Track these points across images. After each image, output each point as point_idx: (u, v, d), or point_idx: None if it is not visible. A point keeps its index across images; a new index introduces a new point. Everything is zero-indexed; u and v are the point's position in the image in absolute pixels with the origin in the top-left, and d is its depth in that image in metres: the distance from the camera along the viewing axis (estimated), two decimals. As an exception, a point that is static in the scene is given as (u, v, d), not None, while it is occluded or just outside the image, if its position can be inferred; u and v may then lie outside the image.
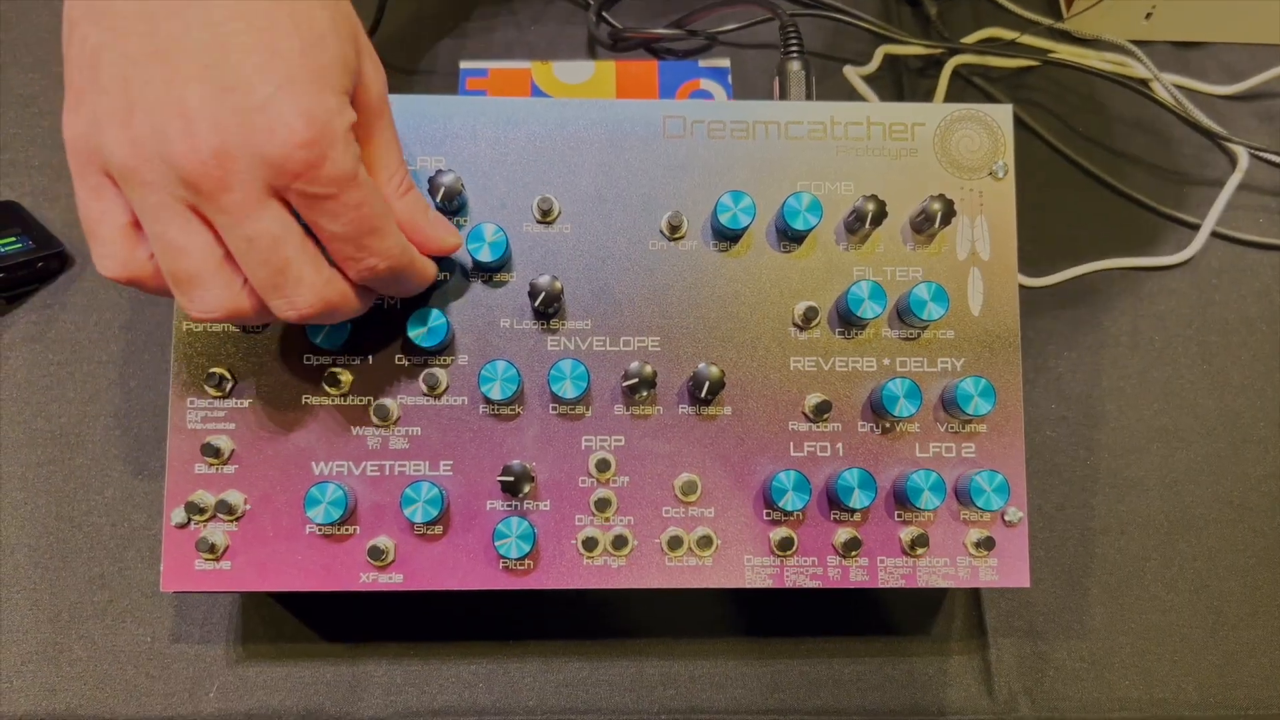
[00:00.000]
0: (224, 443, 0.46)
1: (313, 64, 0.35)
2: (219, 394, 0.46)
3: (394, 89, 0.63)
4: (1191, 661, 0.55)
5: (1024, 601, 0.55)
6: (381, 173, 0.40)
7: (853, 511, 0.47)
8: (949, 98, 0.66)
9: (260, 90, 0.34)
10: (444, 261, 0.47)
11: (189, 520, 0.46)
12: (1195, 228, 0.64)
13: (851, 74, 0.64)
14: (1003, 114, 0.49)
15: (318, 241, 0.38)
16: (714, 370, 0.45)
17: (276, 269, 0.36)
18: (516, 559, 0.45)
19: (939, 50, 0.66)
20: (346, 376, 0.46)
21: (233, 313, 0.37)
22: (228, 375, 0.46)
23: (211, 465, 0.46)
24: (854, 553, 0.46)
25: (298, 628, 0.53)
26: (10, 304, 0.58)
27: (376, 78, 0.40)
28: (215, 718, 0.51)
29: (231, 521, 0.46)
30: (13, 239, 0.57)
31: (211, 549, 0.45)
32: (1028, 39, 0.67)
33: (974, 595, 0.55)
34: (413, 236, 0.42)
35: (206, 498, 0.45)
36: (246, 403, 0.46)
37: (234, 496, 0.46)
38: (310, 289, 0.37)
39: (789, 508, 0.45)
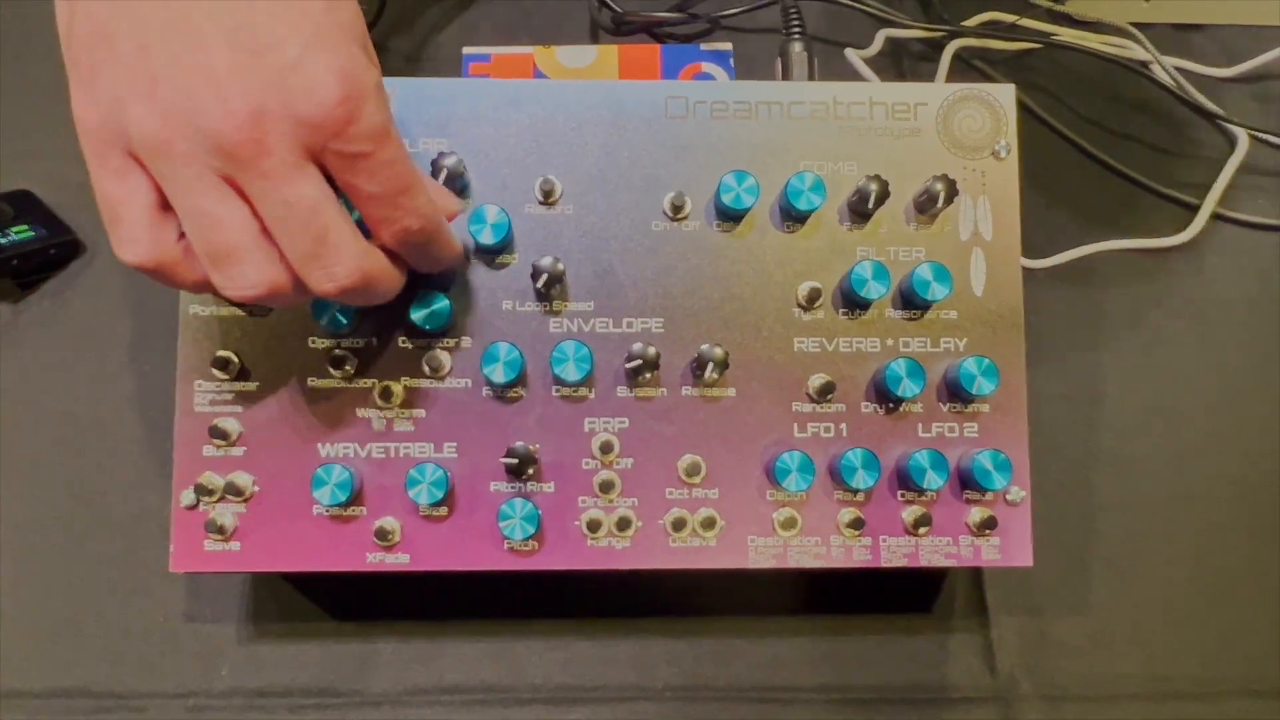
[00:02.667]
0: (231, 425, 0.46)
1: (336, 21, 0.35)
2: (226, 377, 0.46)
3: (398, 75, 0.63)
4: (1192, 637, 0.55)
5: (1025, 579, 0.55)
6: None
7: (856, 492, 0.47)
8: (950, 80, 0.66)
9: (290, 50, 0.33)
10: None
11: (198, 501, 0.46)
12: (1195, 209, 0.64)
13: (853, 57, 0.64)
14: (1005, 94, 0.50)
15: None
16: (718, 351, 0.46)
17: (316, 237, 0.35)
18: (521, 540, 0.46)
19: (940, 33, 0.66)
20: (351, 359, 0.46)
21: (272, 288, 0.36)
22: (234, 358, 0.46)
23: (219, 447, 0.46)
24: (857, 533, 0.47)
25: (308, 606, 0.53)
26: (24, 290, 0.59)
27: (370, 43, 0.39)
28: (227, 694, 0.52)
29: (240, 503, 0.46)
30: (25, 226, 0.57)
31: (220, 530, 0.46)
32: (1028, 22, 0.67)
33: (975, 573, 0.56)
34: None
35: (215, 479, 0.46)
36: (253, 385, 0.47)
37: (242, 478, 0.46)
38: (351, 258, 0.36)
39: (793, 488, 0.46)
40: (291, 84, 0.33)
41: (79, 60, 0.35)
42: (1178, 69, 0.66)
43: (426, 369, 0.47)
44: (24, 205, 0.58)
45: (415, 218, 0.38)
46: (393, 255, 0.40)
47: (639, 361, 0.46)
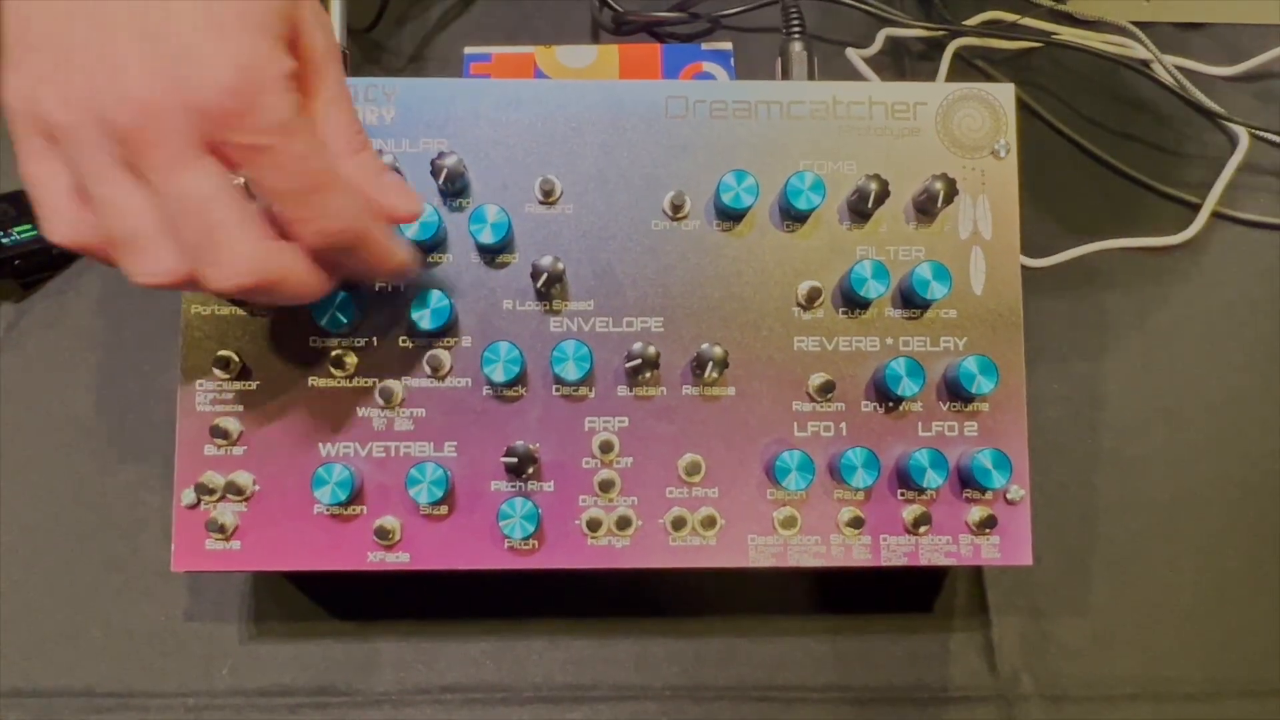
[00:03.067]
0: (232, 424, 0.46)
1: (242, 9, 0.34)
2: (227, 376, 0.46)
3: (399, 74, 0.63)
4: (1194, 639, 0.55)
5: (1026, 579, 0.55)
6: (328, 128, 0.39)
7: (856, 490, 0.47)
8: (950, 80, 0.66)
9: (189, 38, 0.33)
10: (444, 244, 0.47)
11: (199, 501, 0.46)
12: (1196, 208, 0.64)
13: (853, 56, 0.64)
14: (1004, 93, 0.50)
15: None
16: (717, 350, 0.46)
17: (205, 231, 0.34)
18: (521, 539, 0.46)
19: (940, 32, 0.66)
20: (351, 359, 0.47)
21: (171, 278, 0.35)
22: (235, 358, 0.46)
23: (220, 447, 0.46)
24: (857, 531, 0.47)
25: (309, 606, 0.54)
26: (26, 290, 0.59)
27: (320, 28, 0.38)
28: (229, 694, 0.52)
29: (241, 502, 0.46)
30: (28, 226, 0.57)
31: (221, 529, 0.46)
32: (1029, 21, 0.67)
33: (976, 573, 0.56)
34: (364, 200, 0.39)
35: (216, 479, 0.46)
36: (254, 385, 0.47)
37: (243, 477, 0.46)
38: (242, 257, 0.35)
39: (793, 487, 0.46)
40: (185, 73, 0.33)
41: (7, 44, 0.35)
42: (1178, 68, 0.66)
43: (427, 368, 0.47)
44: (26, 205, 0.58)
45: (329, 219, 0.36)
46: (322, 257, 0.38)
47: (639, 361, 0.46)
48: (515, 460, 0.45)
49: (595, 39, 0.67)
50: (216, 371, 0.46)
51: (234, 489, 0.46)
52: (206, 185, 0.34)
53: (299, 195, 0.36)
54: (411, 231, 0.45)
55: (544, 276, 0.46)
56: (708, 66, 0.62)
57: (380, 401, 0.47)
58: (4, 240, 0.56)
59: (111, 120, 0.33)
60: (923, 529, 0.47)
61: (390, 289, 0.47)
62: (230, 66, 0.33)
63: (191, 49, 0.33)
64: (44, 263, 0.58)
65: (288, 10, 0.36)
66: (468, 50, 0.61)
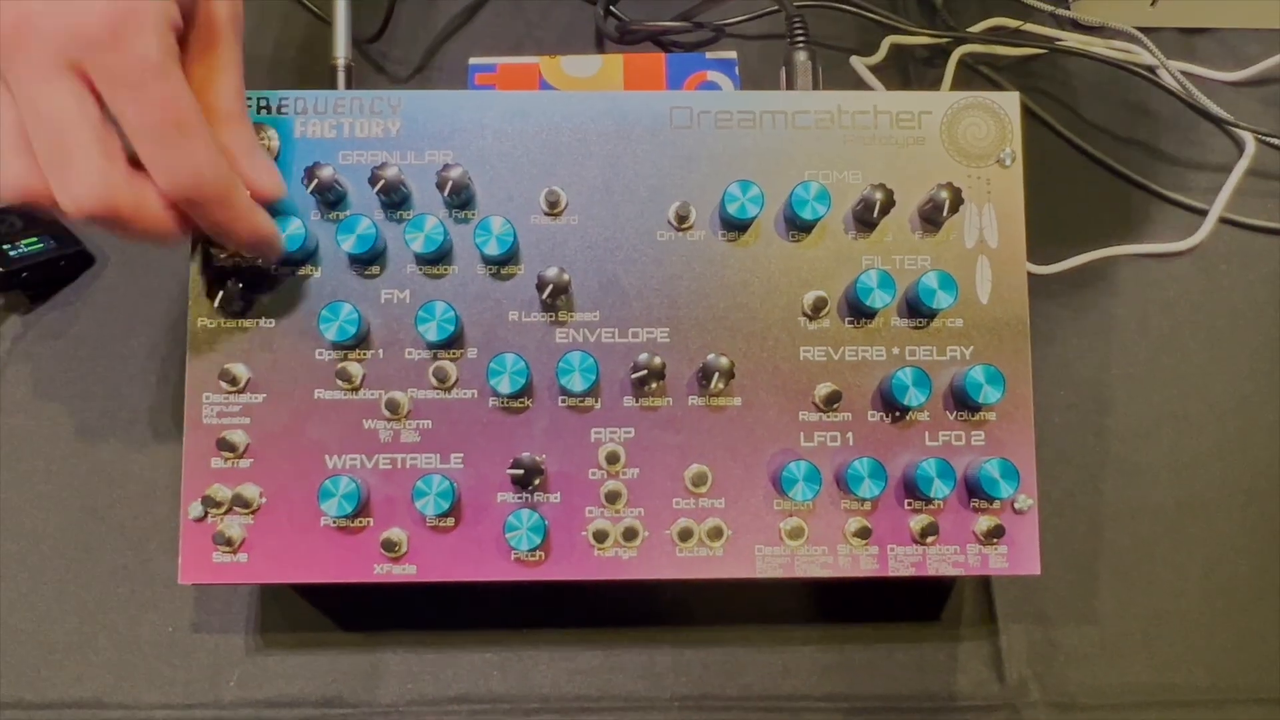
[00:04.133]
0: (239, 437, 0.46)
1: None
2: (234, 389, 0.46)
3: (403, 84, 0.63)
4: (1201, 646, 0.55)
5: (1033, 587, 0.55)
6: (210, 93, 0.40)
7: (863, 501, 0.47)
8: (955, 87, 0.66)
9: None
10: (449, 256, 0.47)
11: (206, 514, 0.46)
12: (1203, 214, 0.64)
13: (858, 64, 0.64)
14: (1010, 101, 0.50)
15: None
16: (723, 361, 0.46)
17: (57, 147, 0.36)
18: (527, 551, 0.46)
19: (945, 39, 0.66)
20: (357, 371, 0.47)
21: (23, 192, 0.37)
22: (242, 371, 0.46)
23: (227, 459, 0.46)
24: (864, 542, 0.47)
25: (316, 617, 0.54)
26: (34, 302, 0.59)
27: (226, 2, 0.40)
28: (236, 705, 0.52)
29: (248, 514, 0.46)
30: (35, 239, 0.57)
31: (228, 542, 0.46)
32: (1034, 27, 0.67)
33: (983, 581, 0.55)
34: (231, 168, 0.41)
35: (223, 491, 0.46)
36: (261, 397, 0.47)
37: (250, 490, 0.46)
38: (90, 178, 0.36)
39: (799, 498, 0.46)
40: None
41: None
42: (1184, 73, 0.66)
43: (433, 380, 0.47)
44: (34, 217, 0.59)
45: (185, 164, 0.37)
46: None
47: (645, 371, 0.46)
48: (522, 472, 0.45)
49: (600, 48, 0.67)
50: (223, 384, 0.46)
51: (241, 502, 0.46)
52: (65, 101, 0.35)
53: (156, 134, 0.36)
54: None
55: (549, 288, 0.46)
56: (712, 75, 0.61)
57: (387, 413, 0.47)
58: (11, 252, 0.57)
59: None
60: (930, 539, 0.47)
61: (395, 300, 0.47)
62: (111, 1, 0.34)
63: None
64: (51, 274, 0.59)
65: None
66: (472, 60, 0.61)
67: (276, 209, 0.45)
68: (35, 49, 0.34)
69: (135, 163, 0.38)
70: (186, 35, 0.39)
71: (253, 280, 0.47)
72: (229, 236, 0.42)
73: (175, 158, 0.37)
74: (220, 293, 0.46)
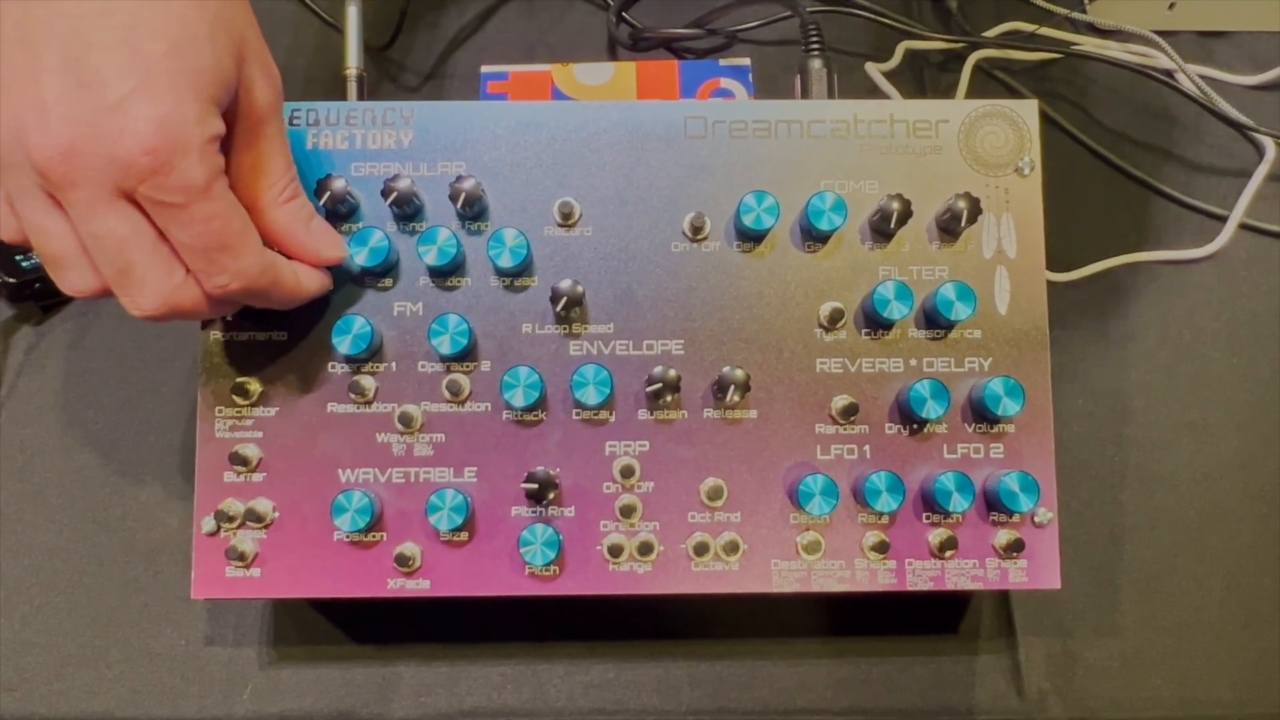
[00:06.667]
0: (252, 451, 0.46)
1: (175, 68, 0.35)
2: (246, 403, 0.46)
3: (415, 93, 0.63)
4: (1224, 659, 0.54)
5: (1053, 599, 0.55)
6: (262, 180, 0.40)
7: (880, 515, 0.47)
8: (971, 92, 0.65)
9: (115, 90, 0.34)
10: (462, 269, 0.47)
11: (219, 528, 0.46)
12: (1223, 219, 0.63)
13: (873, 70, 0.64)
14: (1028, 109, 0.49)
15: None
16: (739, 373, 0.45)
17: (120, 269, 0.37)
18: (542, 566, 0.46)
19: (960, 45, 0.66)
20: (370, 384, 0.46)
21: (94, 294, 0.39)
22: (255, 385, 0.46)
23: (240, 474, 0.46)
24: (882, 556, 0.46)
25: (329, 630, 0.53)
26: (46, 313, 0.59)
27: (266, 86, 0.40)
28: (249, 719, 0.52)
29: (261, 529, 0.46)
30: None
31: (241, 556, 0.45)
32: (1050, 31, 0.66)
33: (1002, 594, 0.55)
34: (288, 246, 0.42)
35: (236, 505, 0.46)
36: (273, 411, 0.46)
37: (262, 504, 0.46)
38: (155, 294, 0.38)
39: (816, 512, 0.45)
40: (107, 124, 0.34)
41: None
42: (1203, 77, 0.65)
43: (446, 393, 0.46)
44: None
45: (233, 278, 0.38)
46: None
47: (659, 384, 0.45)
48: (535, 486, 0.45)
49: (612, 55, 0.66)
50: (235, 398, 0.46)
51: (254, 516, 0.46)
52: (122, 228, 0.36)
53: (204, 253, 0.37)
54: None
55: (563, 300, 0.45)
56: (726, 82, 0.61)
57: (400, 427, 0.46)
58: (23, 263, 0.56)
59: (32, 156, 0.35)
60: (949, 553, 0.46)
61: (409, 314, 0.47)
62: (152, 126, 0.35)
63: (119, 103, 0.34)
64: (63, 286, 0.58)
65: (225, 73, 0.37)
66: (484, 69, 0.61)
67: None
68: (84, 180, 0.35)
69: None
70: (232, 129, 0.39)
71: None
72: (277, 308, 0.43)
73: (219, 270, 0.38)
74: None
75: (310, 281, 0.43)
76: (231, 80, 0.38)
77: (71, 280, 0.39)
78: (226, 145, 0.39)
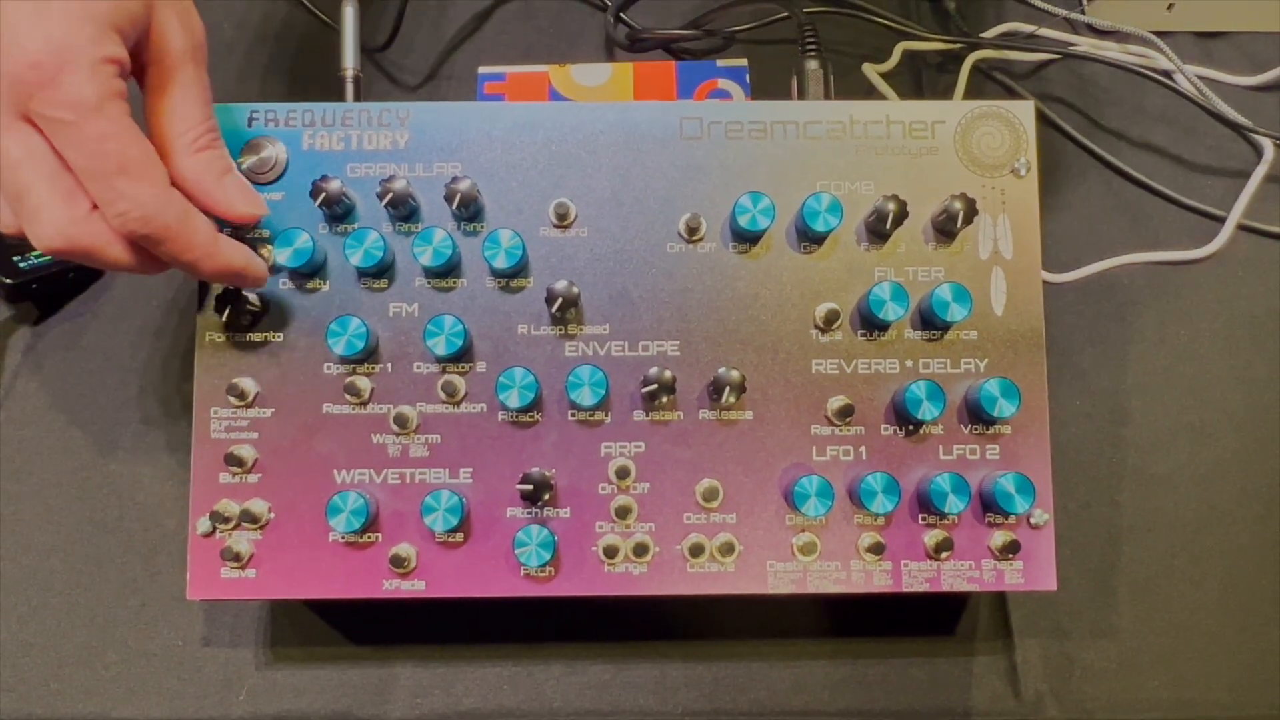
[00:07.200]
0: (247, 452, 0.46)
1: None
2: (242, 404, 0.46)
3: (413, 93, 0.63)
4: (1221, 660, 0.54)
5: (1050, 601, 0.55)
6: (174, 125, 0.40)
7: (876, 516, 0.46)
8: (969, 93, 0.65)
9: (9, 17, 0.35)
10: (458, 269, 0.47)
11: (214, 529, 0.46)
12: (1221, 220, 0.63)
13: (870, 71, 0.64)
14: (1024, 110, 0.49)
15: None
16: (734, 374, 0.45)
17: (16, 194, 0.37)
18: (537, 567, 0.46)
19: (958, 45, 0.66)
20: (366, 385, 0.46)
21: (11, 232, 0.39)
22: (250, 385, 0.46)
23: (235, 475, 0.46)
24: (878, 557, 0.46)
25: (326, 631, 0.53)
26: (43, 313, 0.59)
27: (181, 31, 0.40)
28: (245, 719, 0.52)
29: (256, 530, 0.46)
30: (43, 251, 0.57)
31: (237, 557, 0.46)
32: (1048, 32, 0.66)
33: (999, 595, 0.55)
34: (200, 198, 0.41)
35: (231, 507, 0.46)
36: (269, 412, 0.47)
37: (258, 505, 0.46)
38: (51, 222, 0.37)
39: (812, 513, 0.45)
40: (1, 46, 0.35)
41: None
42: (1201, 78, 0.65)
43: (442, 394, 0.46)
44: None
45: (130, 205, 0.37)
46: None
47: (655, 385, 0.45)
48: (531, 487, 0.45)
49: (610, 56, 0.66)
50: (231, 399, 0.46)
51: (249, 517, 0.46)
52: (16, 150, 0.36)
53: (97, 176, 0.37)
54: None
55: (559, 301, 0.45)
56: (723, 83, 0.61)
57: (395, 428, 0.46)
58: (21, 264, 0.56)
59: None
60: (944, 554, 0.46)
61: (404, 314, 0.47)
62: (38, 42, 0.35)
63: (13, 27, 0.35)
64: (60, 286, 0.59)
65: (129, 6, 0.38)
66: (482, 69, 0.61)
67: (270, 227, 0.46)
68: None
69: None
70: (144, 69, 0.40)
71: (260, 295, 0.46)
72: (194, 272, 0.42)
73: (119, 198, 0.37)
74: (228, 307, 0.46)
75: (232, 251, 0.42)
76: (138, 15, 0.38)
77: None
78: (143, 90, 0.40)
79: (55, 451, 0.56)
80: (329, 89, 0.52)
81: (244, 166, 0.47)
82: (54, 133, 0.36)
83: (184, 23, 0.40)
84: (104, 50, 0.37)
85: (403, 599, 0.46)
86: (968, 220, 0.46)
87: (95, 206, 0.38)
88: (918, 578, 0.47)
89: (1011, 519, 0.47)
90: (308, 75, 0.65)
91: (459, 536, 0.46)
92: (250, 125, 0.48)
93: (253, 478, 0.46)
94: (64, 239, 0.37)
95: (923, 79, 0.67)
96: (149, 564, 0.54)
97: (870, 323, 0.47)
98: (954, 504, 0.45)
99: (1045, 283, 0.48)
